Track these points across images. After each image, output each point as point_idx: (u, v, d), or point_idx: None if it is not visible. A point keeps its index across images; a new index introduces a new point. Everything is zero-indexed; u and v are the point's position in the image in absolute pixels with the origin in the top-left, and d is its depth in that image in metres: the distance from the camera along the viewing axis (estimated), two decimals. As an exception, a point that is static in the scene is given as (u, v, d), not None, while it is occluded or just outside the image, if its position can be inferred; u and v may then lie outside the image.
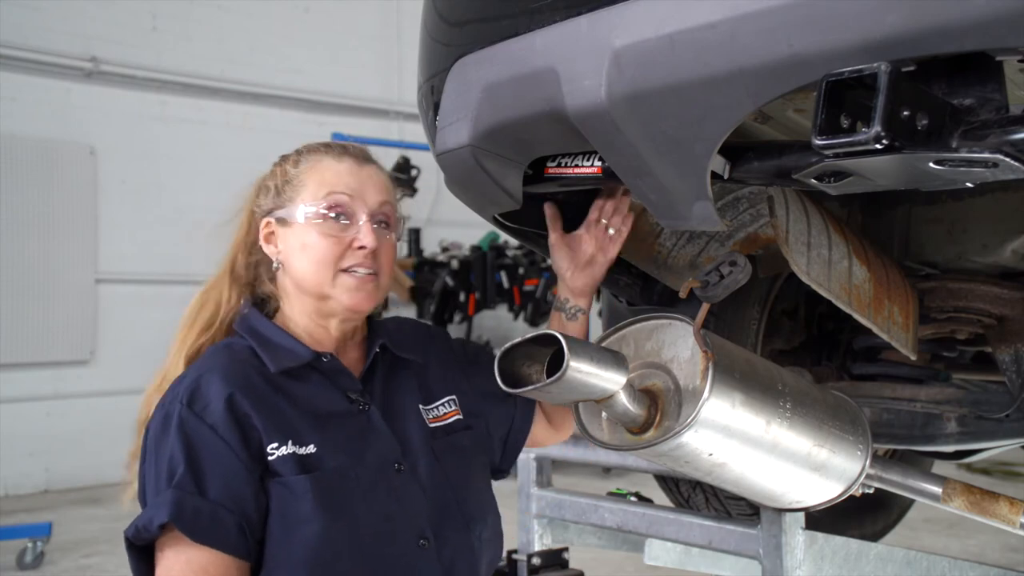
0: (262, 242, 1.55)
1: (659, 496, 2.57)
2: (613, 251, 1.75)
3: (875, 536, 2.87)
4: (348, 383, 1.53)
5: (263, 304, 1.59)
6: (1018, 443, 2.21)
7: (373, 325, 1.64)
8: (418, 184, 6.90)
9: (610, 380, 1.39)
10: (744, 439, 1.50)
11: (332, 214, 1.49)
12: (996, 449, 2.46)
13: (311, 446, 1.42)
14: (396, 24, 7.74)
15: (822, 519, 2.40)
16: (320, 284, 1.49)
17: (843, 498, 1.74)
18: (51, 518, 4.69)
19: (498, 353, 1.40)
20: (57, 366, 6.25)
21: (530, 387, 1.36)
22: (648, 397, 1.48)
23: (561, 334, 1.33)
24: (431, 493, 1.52)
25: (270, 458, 1.39)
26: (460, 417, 1.63)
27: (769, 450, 1.54)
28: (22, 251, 6.10)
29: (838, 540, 1.88)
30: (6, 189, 6.04)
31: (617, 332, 1.59)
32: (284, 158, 1.58)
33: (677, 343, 1.51)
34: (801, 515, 1.83)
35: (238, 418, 1.40)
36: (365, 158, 1.58)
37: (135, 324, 6.44)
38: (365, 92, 7.68)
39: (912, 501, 2.98)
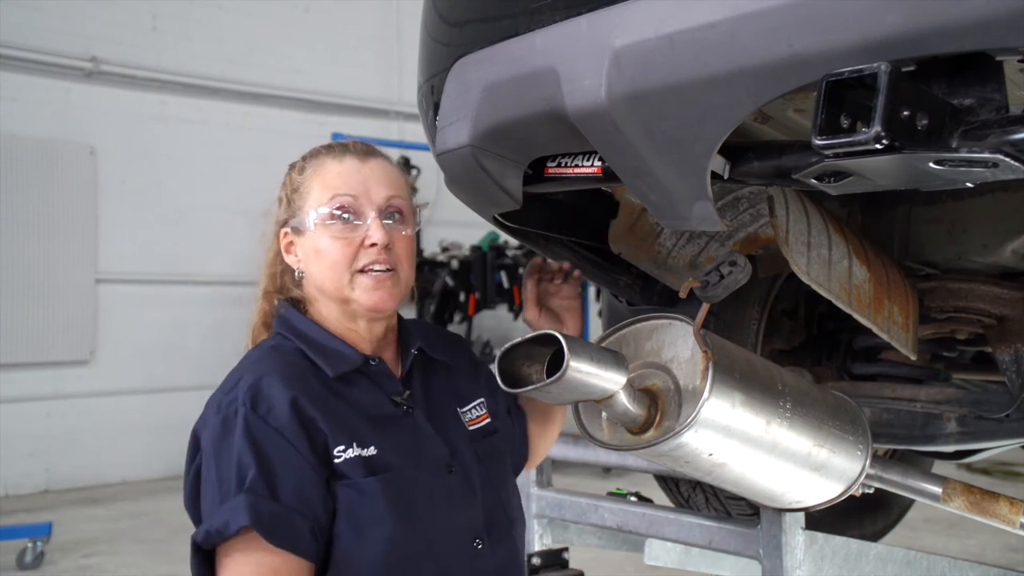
0: (283, 253, 1.55)
1: (659, 496, 2.57)
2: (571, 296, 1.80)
3: (875, 536, 2.87)
4: (392, 386, 1.53)
5: (295, 305, 1.58)
6: (1018, 443, 2.21)
7: (404, 325, 1.63)
8: (418, 184, 6.90)
9: (610, 380, 1.39)
10: (744, 439, 1.50)
11: (339, 215, 1.47)
12: (996, 449, 2.46)
13: (372, 448, 1.42)
14: (396, 24, 7.74)
15: (822, 519, 2.39)
16: (339, 287, 1.48)
17: (843, 498, 1.74)
18: (51, 518, 4.70)
19: (498, 353, 1.40)
20: (57, 366, 6.25)
21: (530, 387, 1.36)
22: (648, 397, 1.48)
23: (561, 334, 1.34)
24: (481, 495, 1.53)
25: (336, 461, 1.39)
26: (490, 420, 1.65)
27: (769, 450, 1.54)
28: (22, 251, 6.10)
29: (838, 540, 1.88)
30: (6, 189, 6.04)
31: (617, 332, 1.59)
32: (292, 166, 1.58)
33: (677, 343, 1.51)
34: (801, 515, 1.82)
35: (303, 421, 1.39)
36: (368, 153, 1.56)
37: (135, 324, 6.44)
38: (365, 92, 7.68)
39: (912, 501, 2.98)
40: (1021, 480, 5.87)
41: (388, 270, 1.48)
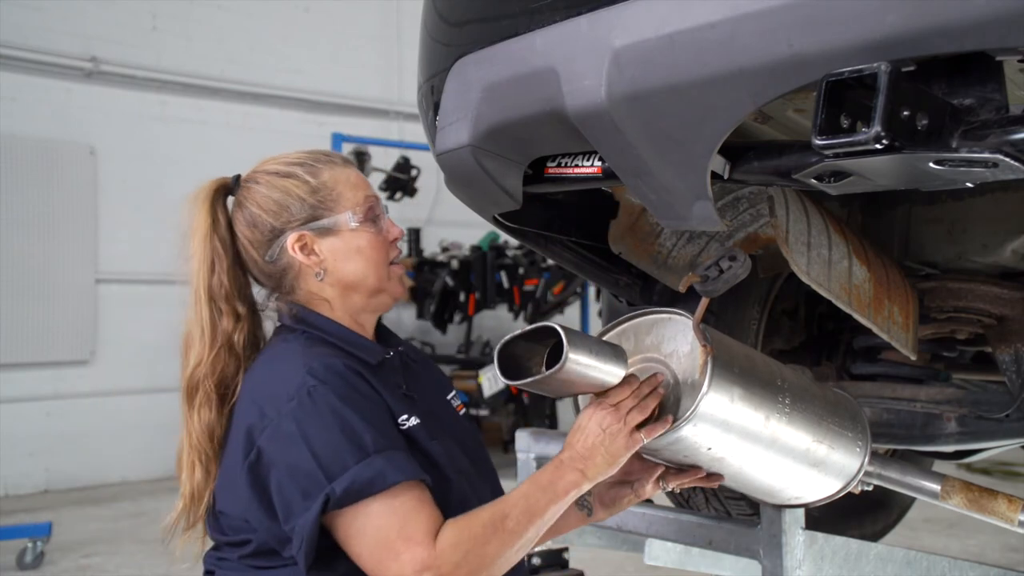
0: (294, 254, 1.54)
1: (659, 496, 2.57)
2: (644, 496, 1.70)
3: (875, 536, 2.87)
4: (397, 377, 1.58)
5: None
6: (1018, 443, 2.21)
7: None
8: (418, 184, 6.90)
9: (609, 373, 1.40)
10: (743, 434, 1.50)
11: (373, 217, 1.57)
12: (996, 449, 2.46)
13: (416, 419, 1.51)
14: (396, 24, 7.74)
15: (822, 519, 2.39)
16: (379, 280, 1.57)
17: (842, 495, 1.74)
18: (51, 518, 4.69)
19: (498, 345, 1.41)
20: (57, 366, 6.25)
21: (530, 379, 1.37)
22: None
23: (560, 326, 1.34)
24: (487, 475, 1.64)
25: (402, 428, 1.48)
26: (466, 410, 1.75)
27: (768, 445, 1.55)
28: (22, 251, 6.09)
29: (838, 540, 1.88)
30: (6, 189, 6.03)
31: (617, 327, 1.60)
32: (290, 174, 1.56)
33: (677, 338, 1.52)
34: (801, 515, 1.82)
35: (375, 390, 1.48)
36: (350, 161, 1.66)
37: (135, 324, 6.44)
38: (365, 92, 7.67)
39: (912, 501, 2.98)
40: (1021, 480, 5.87)
41: (399, 261, 1.62)
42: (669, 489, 1.67)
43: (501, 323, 7.65)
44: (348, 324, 1.57)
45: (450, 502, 1.45)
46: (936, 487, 1.82)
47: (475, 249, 6.94)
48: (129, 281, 6.51)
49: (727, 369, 1.46)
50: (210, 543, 1.57)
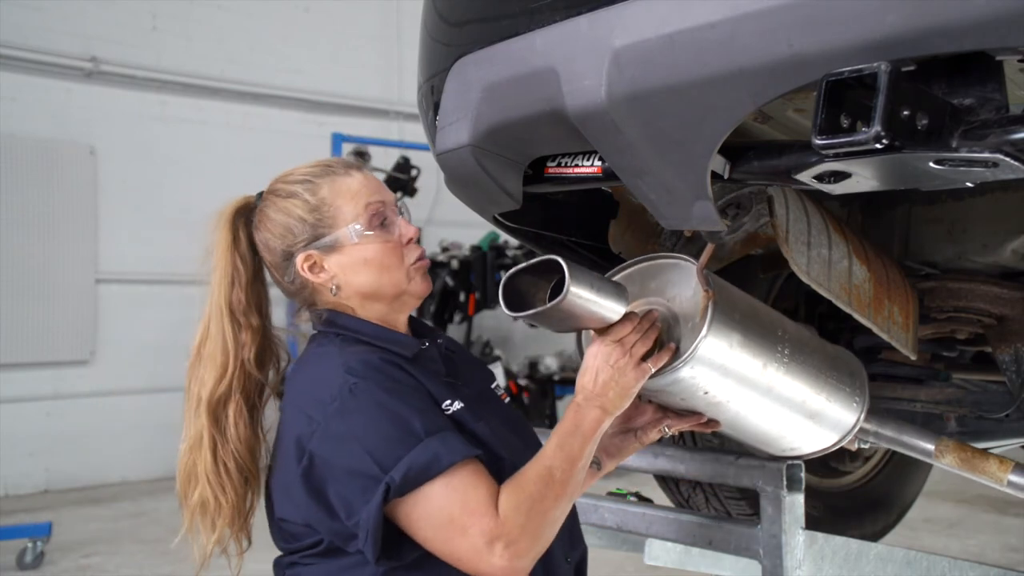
0: (304, 274, 1.56)
1: (659, 496, 2.57)
2: (648, 441, 1.76)
3: (875, 536, 2.87)
4: (438, 367, 1.60)
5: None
6: (1018, 443, 2.21)
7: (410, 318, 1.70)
8: (418, 184, 6.89)
9: (610, 309, 1.43)
10: (740, 379, 1.54)
11: (380, 223, 1.55)
12: (996, 449, 2.46)
13: (460, 403, 1.52)
14: (396, 24, 7.73)
15: (822, 519, 2.39)
16: (395, 285, 1.57)
17: (837, 447, 1.78)
18: (51, 518, 4.69)
19: (504, 277, 1.44)
20: (57, 366, 6.25)
21: (532, 311, 1.40)
22: None
23: (564, 259, 1.37)
24: (540, 446, 1.64)
25: (447, 413, 1.49)
26: (510, 398, 1.77)
27: (764, 393, 1.58)
28: (22, 251, 6.09)
29: (838, 540, 1.88)
30: (6, 189, 6.03)
31: (624, 270, 1.64)
32: (291, 194, 1.57)
33: (681, 282, 1.56)
34: (801, 515, 1.83)
35: (415, 379, 1.50)
36: (356, 164, 1.64)
37: (135, 324, 6.44)
38: (365, 92, 7.67)
39: (912, 501, 2.98)
40: (1021, 480, 5.87)
41: (424, 257, 1.61)
42: (670, 434, 1.71)
43: (501, 323, 7.65)
44: (378, 323, 1.58)
45: (503, 480, 1.46)
46: (930, 446, 1.86)
47: (475, 249, 6.94)
48: (129, 281, 6.51)
49: (728, 315, 1.49)
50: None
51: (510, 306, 1.44)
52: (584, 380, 1.49)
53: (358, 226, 1.54)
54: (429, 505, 1.39)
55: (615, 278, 1.62)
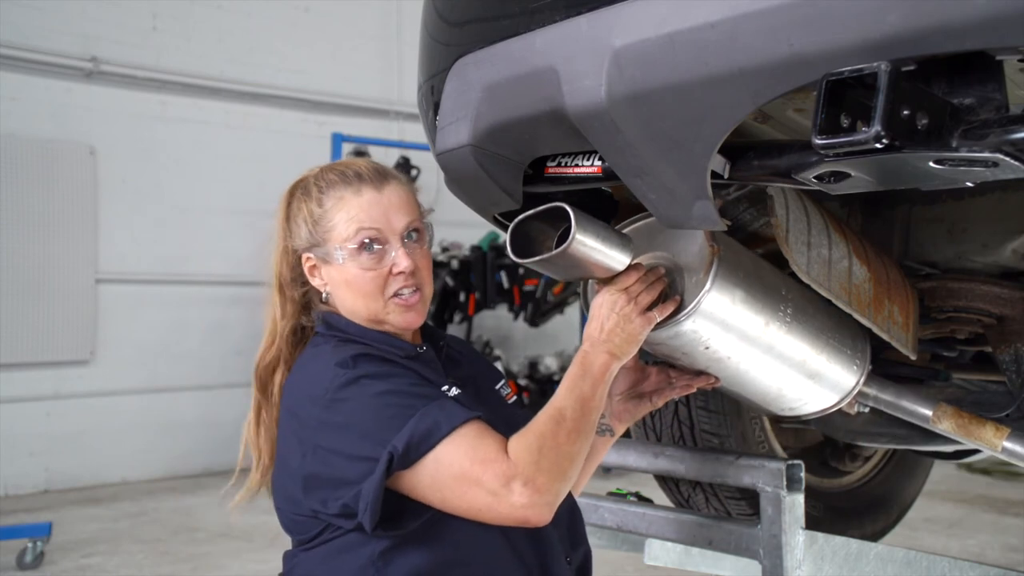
0: (307, 274, 1.60)
1: (659, 496, 2.57)
2: (660, 403, 1.79)
3: (875, 536, 2.87)
4: (438, 369, 1.60)
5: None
6: (1018, 443, 2.21)
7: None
8: (418, 184, 6.89)
9: (614, 259, 1.45)
10: (741, 336, 1.56)
11: (366, 250, 1.54)
12: (996, 449, 2.46)
13: (457, 389, 1.53)
14: (396, 24, 7.74)
15: (822, 519, 2.39)
16: (372, 312, 1.57)
17: (836, 408, 1.80)
18: (51, 518, 4.69)
19: (512, 224, 1.45)
20: (57, 366, 6.25)
21: (537, 257, 1.42)
22: None
23: (571, 207, 1.38)
24: None
25: (448, 396, 1.50)
26: (517, 396, 1.77)
27: (765, 350, 1.60)
28: (22, 251, 6.09)
29: (838, 540, 1.88)
30: (6, 189, 6.03)
31: (633, 224, 1.65)
32: (305, 193, 1.59)
33: (687, 237, 1.58)
34: (801, 515, 1.83)
35: (410, 369, 1.51)
36: (383, 178, 1.60)
37: (135, 324, 6.44)
38: (365, 92, 7.67)
39: (912, 501, 2.98)
40: (1021, 480, 5.87)
41: (415, 291, 1.57)
42: (676, 394, 1.74)
43: (501, 323, 7.66)
44: (374, 328, 1.59)
45: None
46: (928, 411, 1.88)
47: (475, 249, 6.94)
48: (129, 281, 6.51)
49: (732, 271, 1.51)
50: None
51: (517, 252, 1.45)
52: (591, 328, 1.50)
53: (344, 249, 1.54)
54: (438, 467, 1.39)
55: (625, 229, 1.64)
